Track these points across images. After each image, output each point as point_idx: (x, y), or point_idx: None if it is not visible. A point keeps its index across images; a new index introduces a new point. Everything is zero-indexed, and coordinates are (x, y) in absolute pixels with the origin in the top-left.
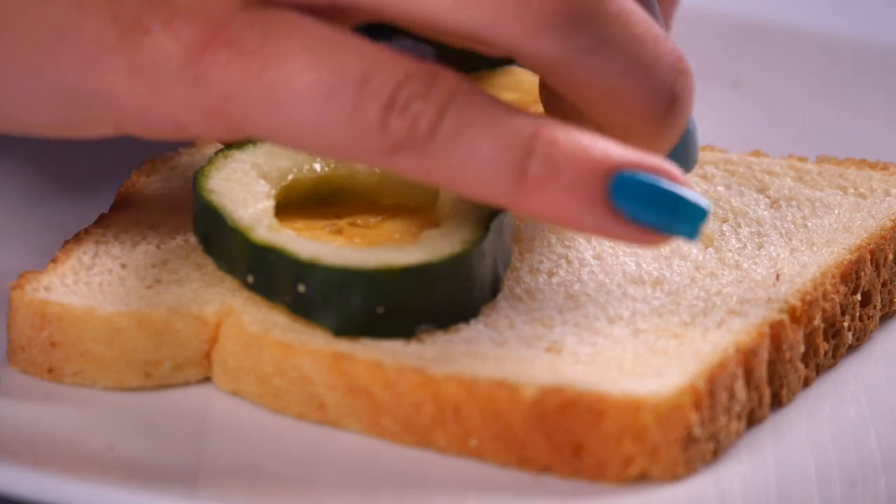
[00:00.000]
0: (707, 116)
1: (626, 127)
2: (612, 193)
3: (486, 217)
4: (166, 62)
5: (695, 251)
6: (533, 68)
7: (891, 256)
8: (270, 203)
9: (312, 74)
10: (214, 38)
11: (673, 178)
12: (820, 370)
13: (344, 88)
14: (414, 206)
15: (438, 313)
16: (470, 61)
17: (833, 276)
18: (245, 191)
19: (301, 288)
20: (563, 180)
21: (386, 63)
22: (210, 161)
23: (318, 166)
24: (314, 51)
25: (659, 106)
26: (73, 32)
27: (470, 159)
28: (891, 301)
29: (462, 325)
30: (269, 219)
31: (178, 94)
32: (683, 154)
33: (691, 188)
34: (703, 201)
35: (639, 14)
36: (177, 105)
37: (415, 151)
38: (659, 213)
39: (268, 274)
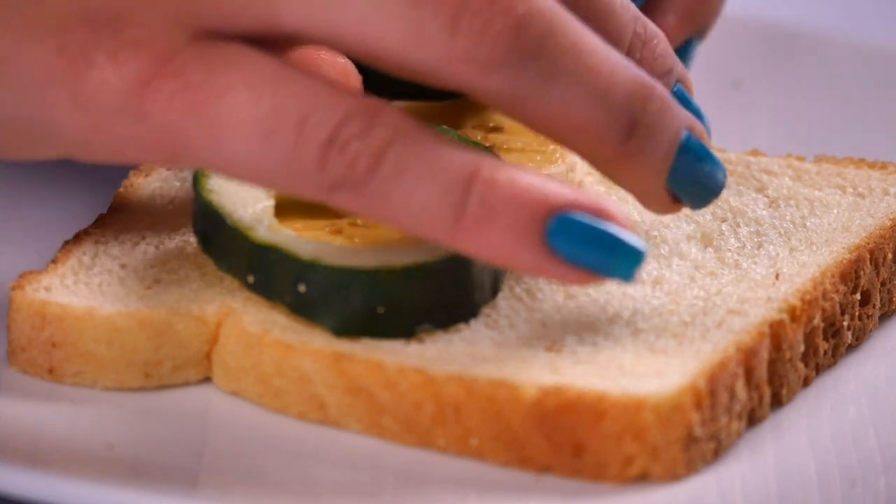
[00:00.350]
0: (706, 116)
1: (595, 155)
2: (548, 235)
3: None
4: (110, 95)
5: (694, 251)
6: (487, 103)
7: (890, 256)
8: (270, 203)
9: (252, 111)
10: (159, 72)
11: (612, 219)
12: (820, 369)
13: (283, 126)
14: None
15: (438, 313)
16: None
17: (832, 276)
18: (245, 191)
19: (301, 288)
20: (500, 222)
21: (327, 99)
22: None
23: None
24: (255, 87)
25: (617, 132)
26: (18, 62)
27: (408, 199)
28: (890, 300)
29: (462, 325)
30: (269, 219)
31: (121, 127)
32: (700, 187)
33: (631, 230)
34: (640, 244)
35: (593, 44)
36: (119, 137)
37: (353, 190)
38: (595, 255)
39: (268, 274)
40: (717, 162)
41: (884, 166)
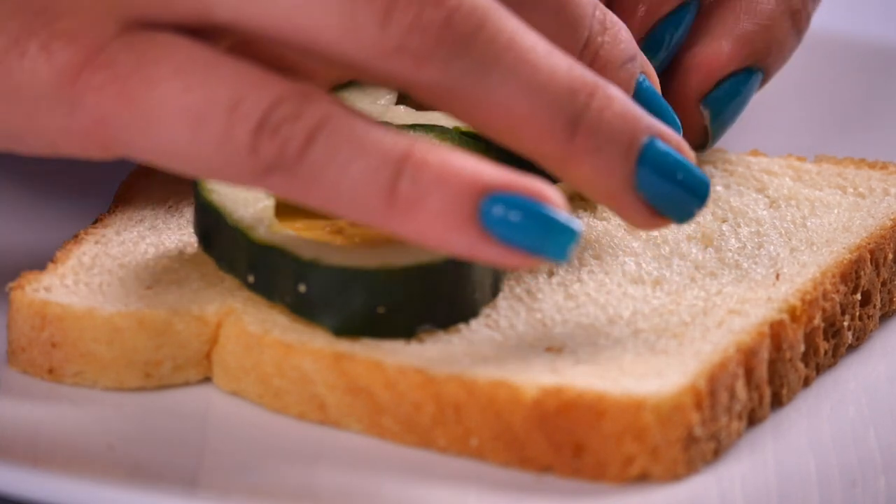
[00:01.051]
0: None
1: (543, 153)
2: (482, 215)
3: None
4: (41, 85)
5: (695, 251)
6: (425, 100)
7: (890, 256)
8: (270, 202)
9: (183, 99)
10: (90, 62)
11: (545, 199)
12: (820, 370)
13: (214, 112)
14: None
15: (439, 313)
16: None
17: (833, 276)
18: (245, 190)
19: (302, 288)
20: (432, 201)
21: (257, 84)
22: None
23: None
24: (186, 74)
25: (560, 128)
26: None
27: (340, 181)
28: (890, 300)
29: (462, 325)
30: (270, 218)
31: (53, 118)
32: (673, 198)
33: (564, 210)
34: (575, 224)
35: (531, 41)
36: (51, 128)
37: (285, 173)
38: (529, 236)
39: (268, 274)
40: (691, 170)
41: (884, 166)
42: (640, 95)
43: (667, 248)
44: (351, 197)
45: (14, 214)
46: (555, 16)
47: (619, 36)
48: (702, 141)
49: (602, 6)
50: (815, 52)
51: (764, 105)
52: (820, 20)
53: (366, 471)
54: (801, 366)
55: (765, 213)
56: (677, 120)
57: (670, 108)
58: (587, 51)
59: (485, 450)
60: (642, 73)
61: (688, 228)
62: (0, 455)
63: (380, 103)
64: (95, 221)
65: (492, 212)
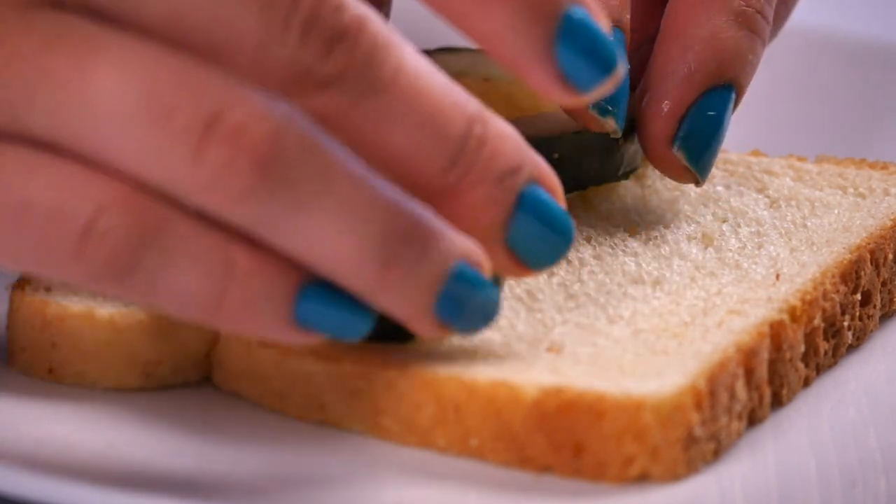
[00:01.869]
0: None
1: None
2: (297, 315)
3: None
4: None
5: (695, 251)
6: (240, 228)
7: (890, 256)
8: None
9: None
10: None
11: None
12: (820, 370)
13: (34, 217)
14: None
15: None
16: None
17: (833, 276)
18: None
19: None
20: (256, 308)
21: (82, 189)
22: None
23: None
24: (8, 181)
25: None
26: None
27: (174, 289)
28: (891, 300)
29: None
30: None
31: None
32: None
33: (364, 301)
34: (369, 317)
35: (349, 174)
36: None
37: (114, 283)
38: (333, 325)
39: None
40: (488, 292)
41: (885, 167)
42: (526, 209)
43: (667, 248)
44: (184, 304)
45: None
46: (419, 130)
47: (499, 148)
48: (692, 179)
49: (483, 117)
50: (815, 53)
51: (765, 105)
52: (820, 20)
53: (366, 471)
54: (801, 366)
55: (765, 213)
56: (570, 229)
57: (564, 216)
58: (457, 167)
59: (485, 450)
60: (533, 181)
61: (688, 229)
62: (0, 455)
63: None
64: None
65: (305, 309)
